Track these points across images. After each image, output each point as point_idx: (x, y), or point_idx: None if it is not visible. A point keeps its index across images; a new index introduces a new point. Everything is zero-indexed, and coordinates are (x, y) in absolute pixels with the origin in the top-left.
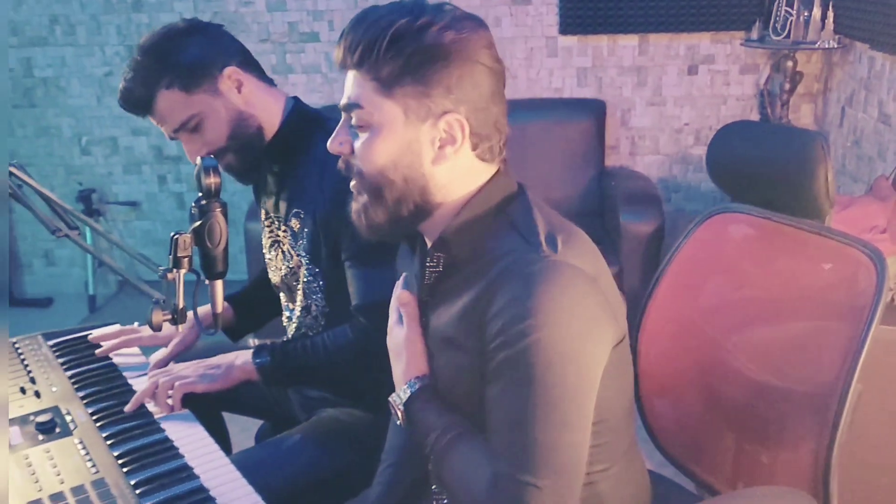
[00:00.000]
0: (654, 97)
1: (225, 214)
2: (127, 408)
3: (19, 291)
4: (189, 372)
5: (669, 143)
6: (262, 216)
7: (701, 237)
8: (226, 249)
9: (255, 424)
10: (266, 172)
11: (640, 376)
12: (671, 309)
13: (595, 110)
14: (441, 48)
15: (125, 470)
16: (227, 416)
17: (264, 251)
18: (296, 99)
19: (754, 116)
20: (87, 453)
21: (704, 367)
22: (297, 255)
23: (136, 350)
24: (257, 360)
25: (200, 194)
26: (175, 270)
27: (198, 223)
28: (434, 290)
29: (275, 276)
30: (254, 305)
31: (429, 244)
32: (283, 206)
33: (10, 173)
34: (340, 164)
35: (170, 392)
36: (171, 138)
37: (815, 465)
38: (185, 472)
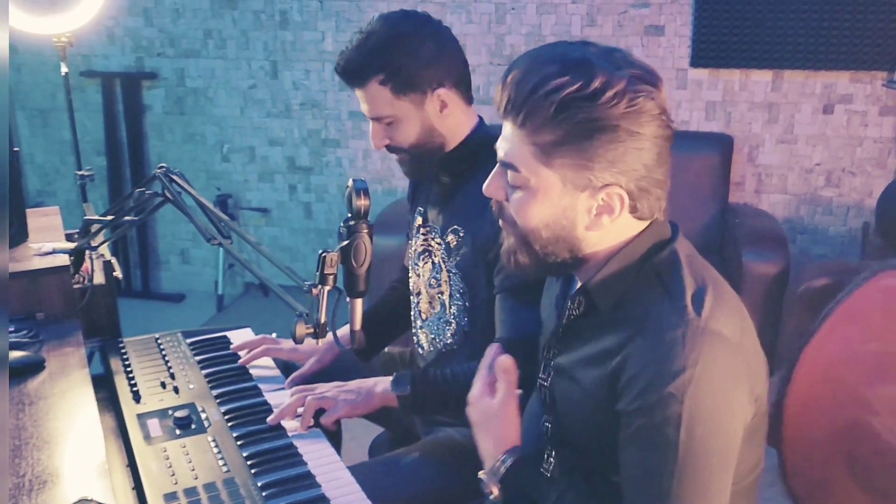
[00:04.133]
0: (785, 135)
1: (371, 236)
2: (270, 419)
3: (155, 286)
4: (331, 395)
5: (798, 183)
6: (418, 222)
7: (865, 293)
8: (369, 269)
9: (365, 434)
10: (434, 181)
11: (784, 426)
12: (824, 364)
13: (722, 145)
14: (609, 121)
15: (253, 471)
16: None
17: (409, 256)
18: (480, 119)
19: (892, 160)
20: (220, 451)
21: (852, 427)
22: (448, 271)
23: (269, 362)
24: (398, 390)
25: (349, 215)
26: (320, 286)
27: (345, 243)
28: (569, 329)
29: (418, 283)
30: (383, 326)
31: (577, 280)
32: (442, 218)
33: (172, 180)
34: (494, 206)
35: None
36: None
37: None
38: (308, 479)
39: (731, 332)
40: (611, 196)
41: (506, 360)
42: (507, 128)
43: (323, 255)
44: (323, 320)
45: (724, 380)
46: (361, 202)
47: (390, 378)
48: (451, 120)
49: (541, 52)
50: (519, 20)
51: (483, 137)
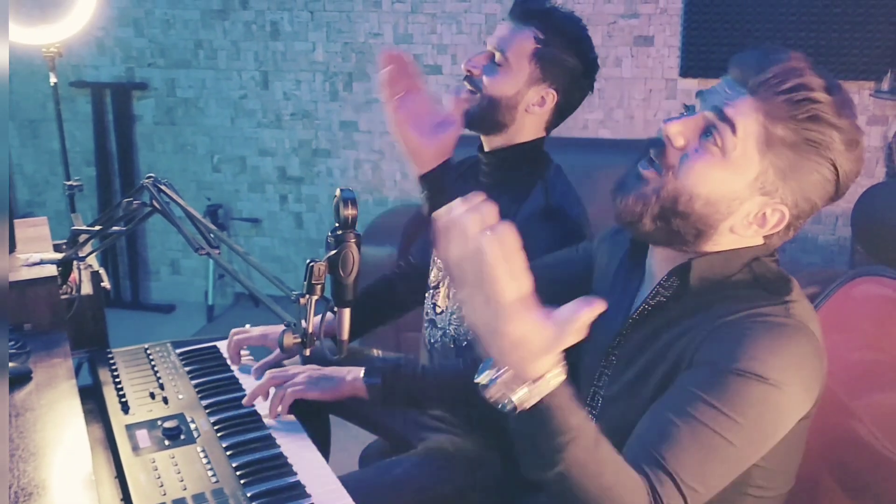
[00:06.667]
0: None
1: (358, 245)
2: (244, 401)
3: (145, 297)
4: (301, 378)
5: None
6: None
7: (842, 298)
8: (357, 279)
9: (355, 444)
10: (468, 181)
11: None
12: None
13: None
14: (832, 155)
15: (242, 482)
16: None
17: (433, 255)
18: (544, 138)
19: (880, 169)
20: (209, 462)
21: (830, 430)
22: None
23: (245, 351)
24: (367, 380)
25: (337, 224)
26: (308, 296)
27: (333, 252)
28: (648, 318)
29: (438, 276)
30: (361, 316)
31: (657, 271)
32: None
33: (160, 190)
34: (654, 151)
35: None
36: (486, 43)
37: None
38: (298, 489)
39: (819, 338)
40: (775, 213)
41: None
42: (737, 91)
43: (310, 264)
44: (310, 330)
45: (808, 376)
46: (349, 212)
47: (363, 369)
48: (529, 120)
49: (808, 61)
50: None
51: (542, 149)
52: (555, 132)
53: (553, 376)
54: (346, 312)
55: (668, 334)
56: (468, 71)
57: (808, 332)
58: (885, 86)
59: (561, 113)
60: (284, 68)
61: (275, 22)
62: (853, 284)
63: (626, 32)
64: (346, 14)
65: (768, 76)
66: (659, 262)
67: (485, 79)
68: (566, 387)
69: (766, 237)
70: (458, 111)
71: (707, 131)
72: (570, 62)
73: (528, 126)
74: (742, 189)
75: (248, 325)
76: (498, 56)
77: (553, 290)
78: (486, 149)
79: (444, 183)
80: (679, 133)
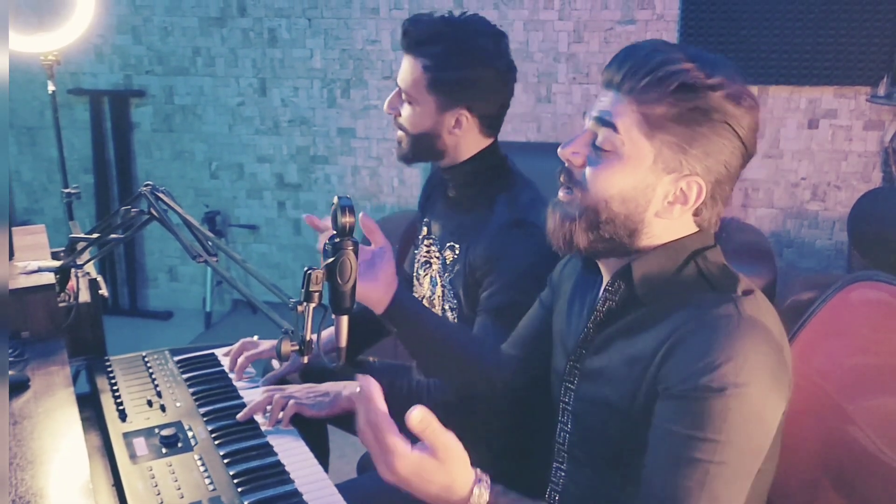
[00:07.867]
0: (771, 149)
1: (356, 253)
2: (239, 416)
3: (143, 304)
4: (301, 394)
5: (784, 197)
6: (423, 233)
7: (838, 303)
8: (354, 286)
9: (353, 451)
10: (441, 194)
11: None
12: (798, 374)
13: None
14: (721, 114)
15: (240, 490)
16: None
17: (415, 268)
18: (495, 142)
19: (877, 174)
20: (206, 470)
21: (827, 434)
22: (442, 286)
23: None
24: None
25: (335, 232)
26: (305, 304)
27: (330, 260)
28: (605, 325)
29: (420, 291)
30: (361, 331)
31: (606, 276)
32: (444, 232)
33: (158, 197)
34: (561, 174)
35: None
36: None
37: None
38: (296, 497)
39: (775, 330)
40: (690, 186)
41: (420, 410)
42: (610, 95)
43: (308, 272)
44: (308, 337)
45: (771, 370)
46: (346, 219)
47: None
48: (459, 140)
49: (665, 42)
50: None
51: (495, 156)
52: (551, 137)
53: (482, 488)
54: (344, 320)
55: (636, 345)
56: (390, 113)
57: (759, 326)
58: (881, 91)
59: (491, 119)
60: (282, 75)
61: (272, 29)
62: (850, 289)
63: (622, 38)
64: (343, 21)
65: (627, 68)
66: (606, 269)
67: (402, 118)
68: (497, 491)
69: (696, 218)
70: (375, 234)
71: (595, 144)
72: (471, 75)
73: (462, 145)
74: (646, 176)
75: (256, 337)
76: (404, 94)
77: (526, 344)
78: (442, 166)
79: (406, 311)
80: (573, 153)
